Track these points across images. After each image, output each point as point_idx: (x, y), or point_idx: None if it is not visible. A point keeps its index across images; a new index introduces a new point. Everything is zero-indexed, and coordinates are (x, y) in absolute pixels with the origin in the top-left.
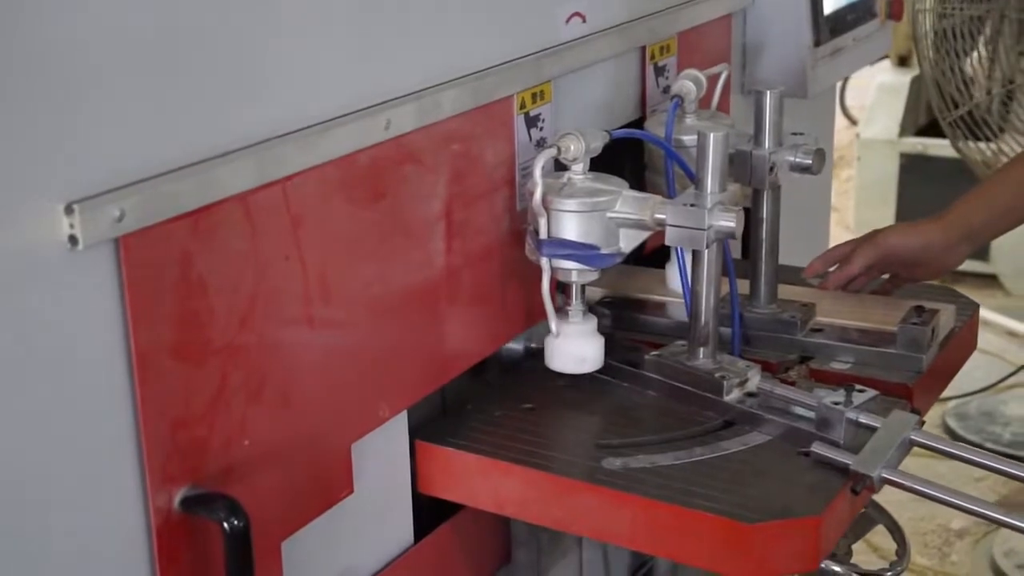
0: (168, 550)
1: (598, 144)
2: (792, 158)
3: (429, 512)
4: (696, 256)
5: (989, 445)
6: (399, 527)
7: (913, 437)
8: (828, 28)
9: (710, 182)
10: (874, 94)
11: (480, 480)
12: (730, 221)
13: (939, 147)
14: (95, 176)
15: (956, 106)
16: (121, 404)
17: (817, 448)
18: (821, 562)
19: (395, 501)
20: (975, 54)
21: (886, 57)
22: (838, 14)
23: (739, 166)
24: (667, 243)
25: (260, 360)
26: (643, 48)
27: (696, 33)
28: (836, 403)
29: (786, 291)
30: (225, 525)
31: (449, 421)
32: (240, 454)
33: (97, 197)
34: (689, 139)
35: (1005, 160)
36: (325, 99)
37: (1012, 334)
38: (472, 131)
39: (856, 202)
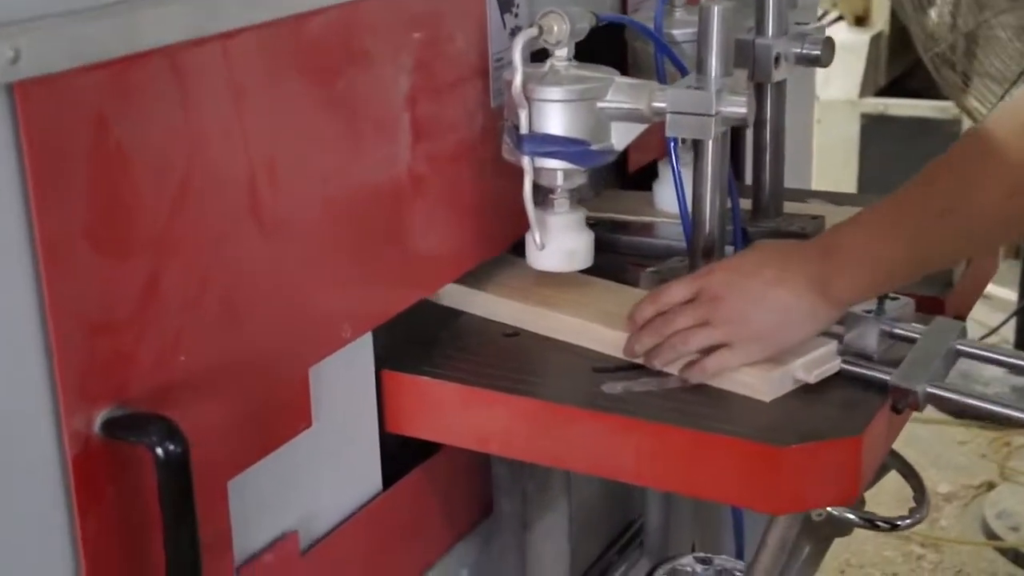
0: (88, 483)
1: (584, 26)
2: (799, 49)
3: (398, 461)
4: (699, 151)
5: None
6: (365, 470)
7: (959, 347)
8: None
9: (714, 64)
10: None
11: (459, 413)
12: (740, 106)
13: (900, 107)
14: None
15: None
16: (24, 301)
17: (848, 362)
18: (861, 492)
19: (360, 439)
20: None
21: (841, 18)
22: None
23: (739, 58)
24: (667, 133)
25: (197, 258)
26: None
27: None
28: (867, 311)
29: (789, 208)
30: (159, 451)
31: (420, 349)
32: (176, 373)
33: None
34: (681, 34)
35: (977, 106)
36: None
37: (984, 296)
38: (439, 7)
39: (817, 164)
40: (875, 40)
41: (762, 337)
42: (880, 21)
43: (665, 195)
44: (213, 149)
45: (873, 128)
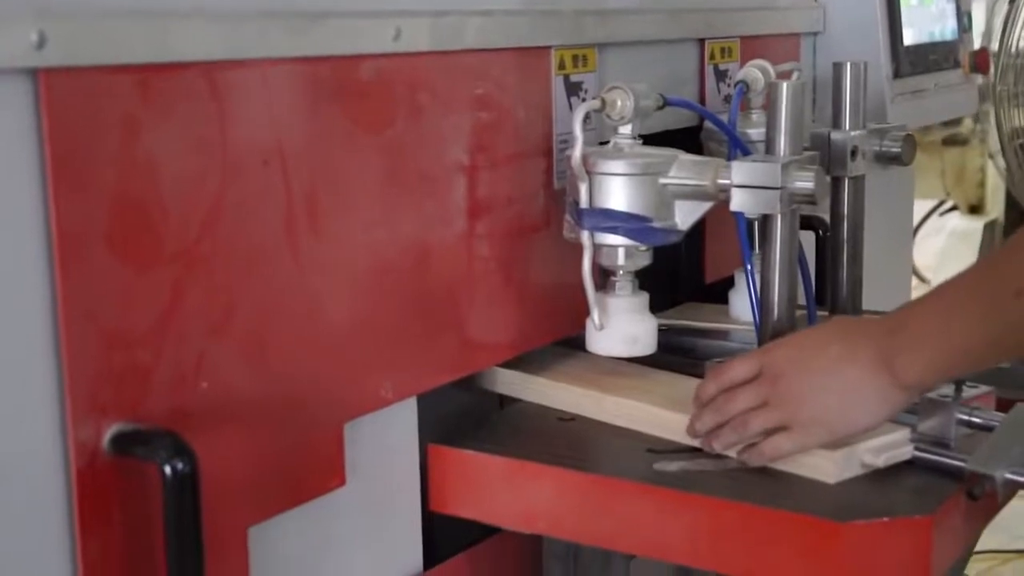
0: (92, 500)
1: (649, 103)
2: (877, 146)
3: (444, 547)
4: (767, 233)
5: None
6: (404, 546)
7: None
8: (908, 61)
9: (783, 141)
10: (945, 241)
11: (505, 488)
12: (807, 181)
13: None
14: None
15: None
16: (36, 299)
17: (921, 449)
18: None
19: (400, 512)
20: None
21: (955, 208)
22: (918, 49)
23: (815, 151)
24: (731, 207)
25: (226, 283)
26: (702, 42)
27: (761, 44)
28: (943, 396)
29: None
30: (166, 467)
31: (470, 430)
32: (195, 399)
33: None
34: (756, 132)
35: None
36: None
37: None
38: (501, 77)
39: None
40: (988, 227)
41: (822, 420)
42: (995, 209)
43: (741, 304)
44: (249, 172)
45: None
